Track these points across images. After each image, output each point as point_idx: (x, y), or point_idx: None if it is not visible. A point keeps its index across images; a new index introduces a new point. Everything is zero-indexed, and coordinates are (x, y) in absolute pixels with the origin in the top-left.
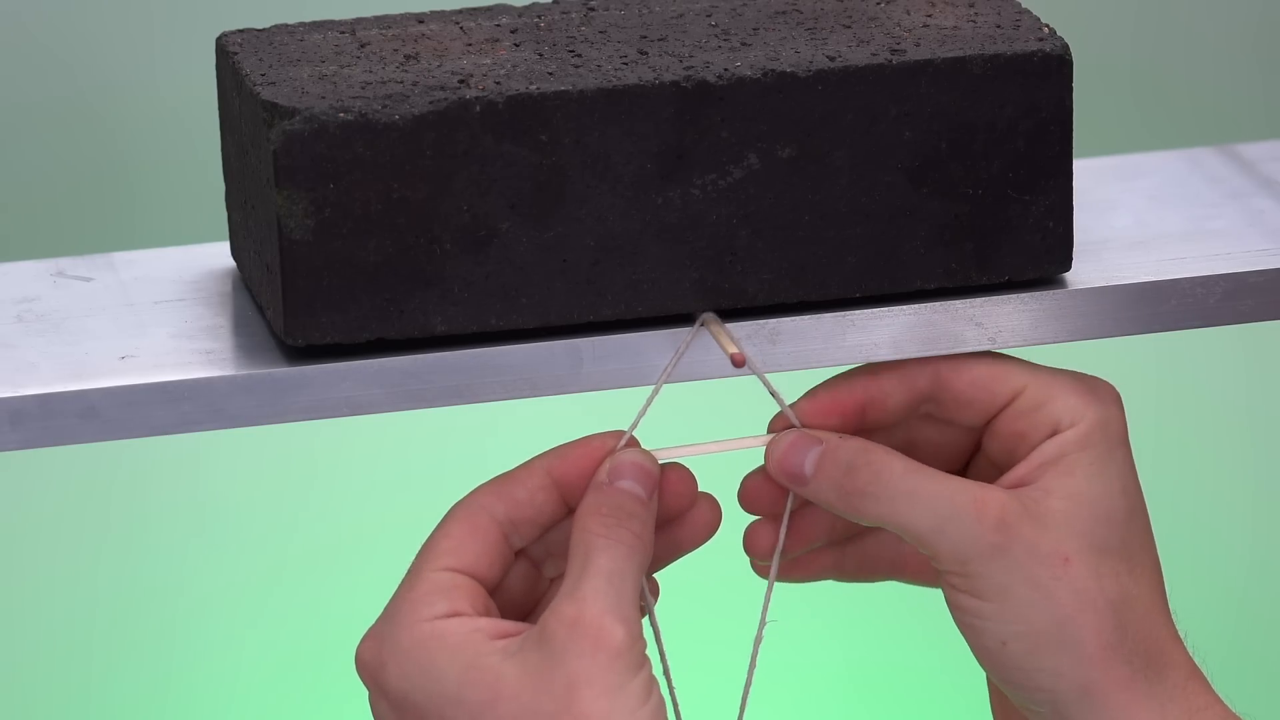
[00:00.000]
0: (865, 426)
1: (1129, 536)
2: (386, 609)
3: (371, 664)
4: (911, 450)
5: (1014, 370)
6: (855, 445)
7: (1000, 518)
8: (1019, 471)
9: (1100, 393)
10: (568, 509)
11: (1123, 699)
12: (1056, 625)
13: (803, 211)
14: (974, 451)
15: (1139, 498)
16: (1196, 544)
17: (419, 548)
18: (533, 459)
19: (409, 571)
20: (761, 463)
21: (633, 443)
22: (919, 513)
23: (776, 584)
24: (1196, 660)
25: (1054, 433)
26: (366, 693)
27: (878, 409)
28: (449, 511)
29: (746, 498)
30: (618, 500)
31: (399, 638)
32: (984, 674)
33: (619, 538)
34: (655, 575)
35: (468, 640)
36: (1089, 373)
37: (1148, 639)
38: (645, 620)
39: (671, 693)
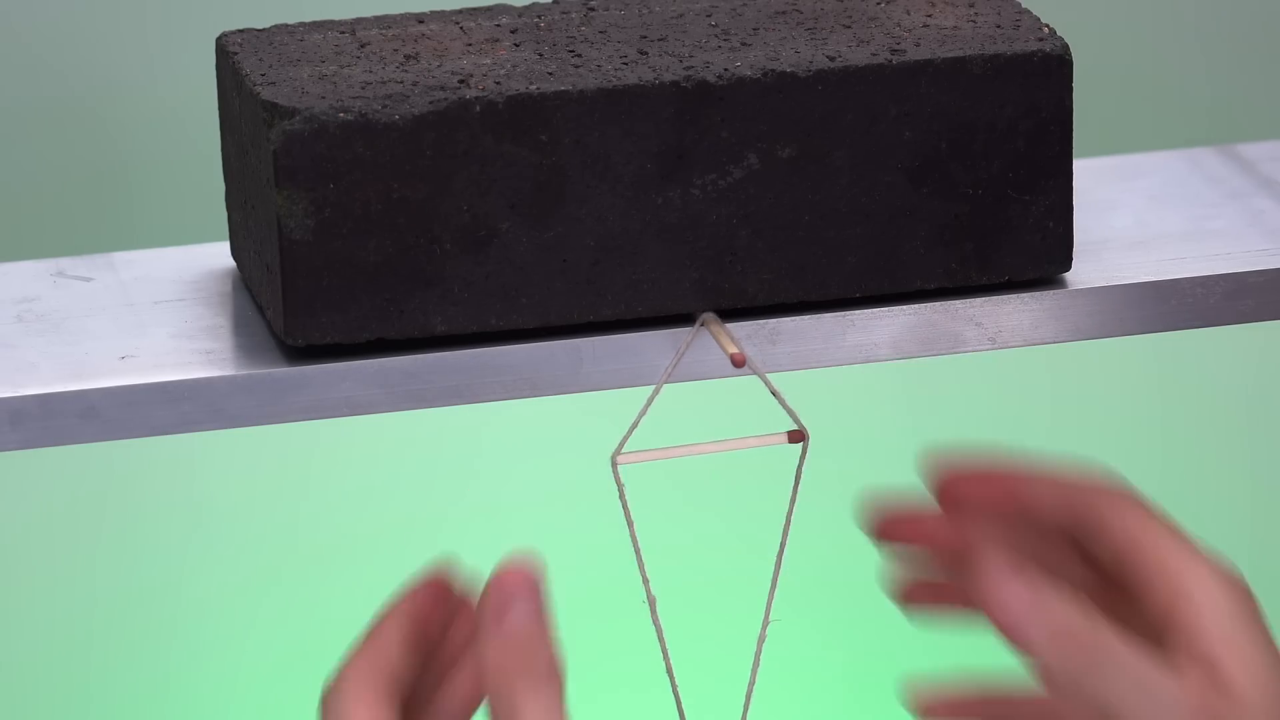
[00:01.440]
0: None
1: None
2: None
3: None
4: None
5: (1163, 542)
6: (1088, 626)
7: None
8: (1199, 647)
9: (1235, 574)
10: (435, 640)
11: None
12: None
13: (803, 211)
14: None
15: None
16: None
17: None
18: (385, 612)
19: None
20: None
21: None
22: (1130, 700)
23: (779, 584)
24: None
25: (1204, 612)
26: None
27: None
28: (331, 704)
29: (904, 532)
30: (518, 641)
31: None
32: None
33: (536, 684)
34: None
35: None
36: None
37: None
38: (648, 623)
39: (675, 693)
